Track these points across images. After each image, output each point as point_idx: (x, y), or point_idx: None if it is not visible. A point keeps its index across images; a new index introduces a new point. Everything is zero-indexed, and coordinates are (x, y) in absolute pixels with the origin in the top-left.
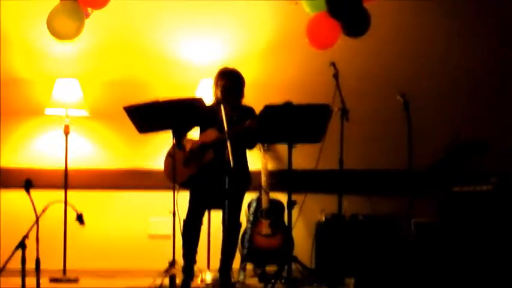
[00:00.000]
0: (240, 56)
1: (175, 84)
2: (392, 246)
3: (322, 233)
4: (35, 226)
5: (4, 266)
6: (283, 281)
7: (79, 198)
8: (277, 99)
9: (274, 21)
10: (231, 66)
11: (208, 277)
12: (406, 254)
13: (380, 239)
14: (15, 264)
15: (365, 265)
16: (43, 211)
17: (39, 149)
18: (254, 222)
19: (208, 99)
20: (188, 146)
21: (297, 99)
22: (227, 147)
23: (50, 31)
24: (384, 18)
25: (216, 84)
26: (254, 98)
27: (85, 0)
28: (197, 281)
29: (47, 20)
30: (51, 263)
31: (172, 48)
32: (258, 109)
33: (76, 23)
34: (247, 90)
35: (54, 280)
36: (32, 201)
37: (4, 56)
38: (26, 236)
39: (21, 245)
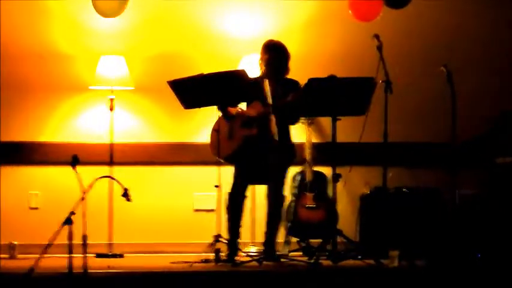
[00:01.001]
0: (282, 29)
1: (219, 59)
2: (436, 219)
3: (366, 206)
4: (82, 202)
5: (52, 241)
6: (327, 254)
7: (125, 174)
8: (320, 72)
9: None
10: (276, 39)
11: (253, 250)
12: (451, 226)
13: (424, 211)
14: (63, 239)
15: (409, 238)
16: (89, 187)
17: (84, 124)
18: (298, 195)
19: (253, 74)
20: (233, 112)
21: (339, 72)
22: (271, 121)
23: (94, 7)
24: None
25: (262, 57)
26: (297, 71)
27: None
28: (242, 254)
29: None
30: (98, 239)
31: (215, 23)
32: (302, 82)
33: None
34: (290, 64)
35: (100, 255)
36: (78, 177)
37: (47, 30)
38: (72, 212)
39: (68, 221)
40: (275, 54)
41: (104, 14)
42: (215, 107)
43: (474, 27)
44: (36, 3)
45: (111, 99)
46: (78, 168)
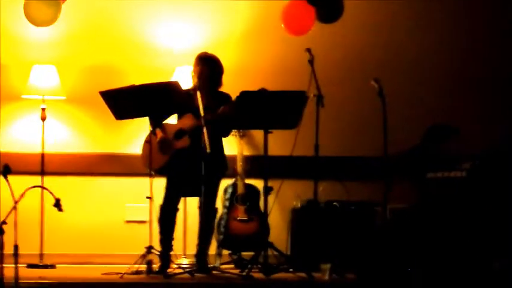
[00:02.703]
0: (216, 42)
1: (152, 71)
2: (367, 232)
3: (297, 219)
4: (13, 211)
5: None
6: (259, 266)
7: (56, 184)
8: (254, 85)
9: (251, 8)
10: (210, 52)
11: (185, 263)
12: (382, 239)
13: (355, 225)
14: None
15: (341, 251)
16: (21, 197)
17: (16, 134)
18: (230, 208)
19: (186, 85)
20: (161, 134)
21: (273, 85)
22: (203, 133)
23: (26, 16)
24: (358, 5)
25: (194, 69)
26: (230, 84)
27: None
28: (174, 266)
29: (23, 4)
30: (29, 248)
31: (149, 35)
32: (234, 95)
33: (52, 8)
34: (224, 77)
35: (31, 266)
36: (10, 186)
37: None
38: (4, 222)
39: None
40: (208, 66)
41: (36, 23)
42: (147, 119)
43: (405, 41)
44: None
45: (43, 109)
46: (10, 177)
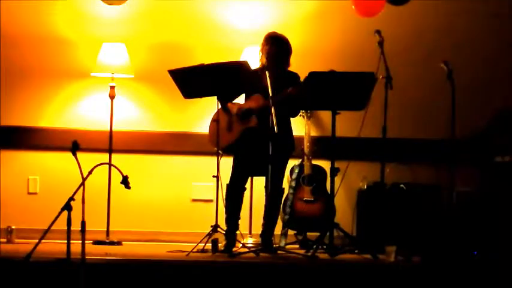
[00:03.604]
0: (284, 22)
1: (221, 50)
2: (433, 215)
3: (363, 200)
4: (81, 188)
5: (50, 227)
6: (324, 247)
7: (124, 161)
8: (320, 66)
9: None
10: (279, 32)
11: (250, 242)
12: (448, 222)
13: (421, 207)
14: (61, 225)
15: (406, 233)
16: (89, 173)
17: (84, 111)
18: (296, 188)
19: (254, 65)
20: (234, 110)
21: (340, 66)
22: (271, 113)
23: None
24: None
25: (263, 49)
26: (298, 65)
27: None
28: (239, 245)
29: None
30: (96, 225)
31: (217, 13)
32: (302, 76)
33: None
34: (291, 57)
35: (97, 242)
36: (78, 163)
37: (49, 15)
38: (71, 198)
39: (67, 207)
40: (277, 46)
41: (108, 1)
42: (215, 98)
43: (476, 24)
44: None
45: (112, 87)
46: (78, 154)
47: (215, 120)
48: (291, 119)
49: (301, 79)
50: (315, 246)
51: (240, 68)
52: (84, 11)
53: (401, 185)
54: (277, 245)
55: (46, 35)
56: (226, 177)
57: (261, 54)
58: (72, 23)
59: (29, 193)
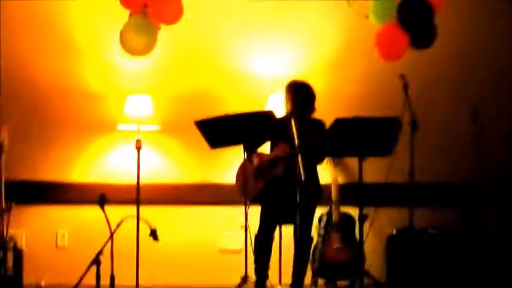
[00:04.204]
0: (308, 68)
1: (246, 99)
2: (464, 259)
3: (393, 246)
4: (109, 241)
5: (79, 282)
6: None
7: (151, 213)
8: (344, 110)
9: (339, 35)
10: (301, 78)
11: None
12: (479, 266)
13: (451, 251)
14: (90, 280)
15: (437, 278)
16: (117, 227)
17: (111, 164)
18: (325, 236)
19: (279, 113)
20: (258, 160)
21: (364, 110)
22: (298, 161)
23: (122, 47)
24: (450, 32)
25: (286, 97)
26: (321, 109)
27: (157, 16)
28: None
29: (120, 35)
30: (125, 279)
31: (241, 62)
32: (327, 121)
33: (148, 39)
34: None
35: None
36: (106, 217)
37: (78, 70)
38: (100, 252)
39: (96, 261)
40: (299, 93)
41: (132, 53)
42: (241, 147)
43: (499, 65)
44: (69, 42)
45: (138, 140)
46: (106, 207)
47: (242, 170)
48: (318, 166)
49: (327, 125)
50: None
51: (265, 117)
52: (111, 63)
53: (431, 230)
54: None
55: (75, 88)
56: (255, 226)
57: (285, 102)
58: (100, 76)
59: (58, 247)
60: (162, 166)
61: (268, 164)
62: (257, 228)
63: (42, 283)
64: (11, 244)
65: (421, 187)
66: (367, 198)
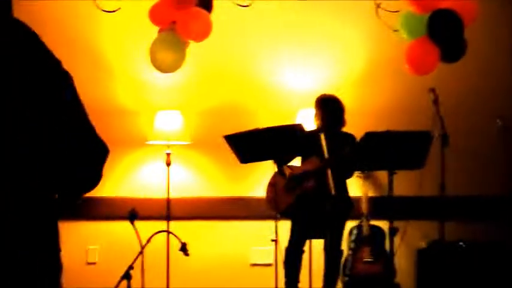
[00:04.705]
0: (337, 83)
1: (275, 113)
2: (496, 273)
3: (424, 260)
4: (140, 256)
5: None
6: None
7: (181, 228)
8: (374, 124)
9: (369, 49)
10: (330, 93)
11: None
12: (510, 280)
13: (483, 266)
14: None
15: None
16: (148, 241)
17: (142, 179)
18: (355, 249)
19: (309, 127)
20: (290, 172)
21: (394, 124)
22: (328, 175)
23: (152, 63)
24: (481, 41)
25: (316, 113)
26: (351, 123)
27: (185, 32)
28: None
29: (149, 52)
30: None
31: (271, 76)
32: (356, 135)
33: (178, 55)
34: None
35: None
36: (136, 232)
37: (109, 87)
38: (131, 267)
39: (127, 276)
40: (328, 108)
41: (162, 70)
42: (271, 162)
43: None
44: (99, 59)
45: (168, 154)
46: (136, 222)
47: (272, 184)
48: (348, 180)
49: (357, 139)
50: None
51: (295, 130)
52: (141, 80)
53: (461, 243)
54: None
55: (106, 104)
56: (285, 240)
57: (315, 117)
58: (130, 92)
59: (88, 263)
60: (192, 181)
61: (298, 177)
62: (287, 242)
63: None
64: None
65: (451, 200)
66: (398, 212)
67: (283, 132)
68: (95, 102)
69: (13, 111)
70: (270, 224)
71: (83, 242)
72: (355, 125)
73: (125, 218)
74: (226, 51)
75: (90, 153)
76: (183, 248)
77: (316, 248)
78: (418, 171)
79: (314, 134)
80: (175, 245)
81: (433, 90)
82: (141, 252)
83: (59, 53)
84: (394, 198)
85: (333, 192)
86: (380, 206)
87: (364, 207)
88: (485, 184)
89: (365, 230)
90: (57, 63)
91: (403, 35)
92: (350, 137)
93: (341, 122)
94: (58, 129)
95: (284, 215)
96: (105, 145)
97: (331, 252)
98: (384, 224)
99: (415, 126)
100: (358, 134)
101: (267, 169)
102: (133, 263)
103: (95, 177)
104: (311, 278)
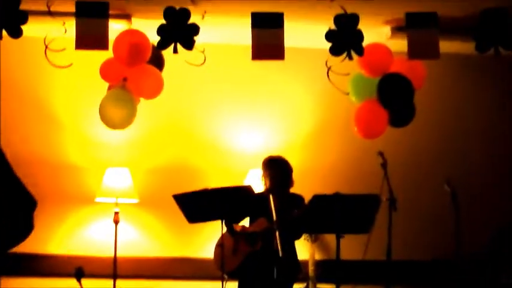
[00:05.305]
0: (286, 144)
1: (225, 173)
2: None
3: None
4: None
5: None
6: None
7: (129, 287)
8: (322, 186)
9: (319, 111)
10: (276, 154)
11: None
12: None
13: None
14: None
15: None
16: None
17: (89, 237)
18: None
19: (258, 188)
20: (239, 229)
21: (342, 186)
22: (276, 236)
23: (101, 119)
24: (429, 109)
25: (264, 174)
26: (299, 184)
27: (136, 89)
28: None
29: (99, 108)
30: None
31: (221, 137)
32: (305, 196)
33: (128, 111)
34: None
35: None
36: None
37: (58, 142)
38: None
39: None
40: (276, 169)
41: (111, 126)
42: (220, 222)
43: (477, 145)
44: (49, 114)
45: (116, 213)
46: (83, 281)
47: (220, 245)
48: (296, 242)
49: (305, 200)
50: None
51: (244, 192)
52: (90, 136)
53: None
54: None
55: (54, 160)
56: None
57: (263, 178)
58: (79, 148)
59: None
60: (140, 240)
61: (246, 238)
62: None
63: None
64: None
65: (398, 265)
66: (345, 276)
67: (232, 194)
68: (44, 157)
69: None
70: (218, 284)
71: None
72: (303, 186)
73: (72, 276)
74: (177, 109)
75: (16, 205)
76: None
77: None
78: (365, 234)
79: (263, 196)
80: None
81: (381, 153)
82: None
83: (9, 107)
84: (341, 261)
85: (280, 254)
86: (327, 269)
87: (311, 270)
88: (432, 248)
89: None
90: None
91: (353, 97)
92: (298, 198)
93: (288, 182)
94: None
95: (231, 276)
96: (33, 197)
97: None
98: None
99: (364, 188)
100: (307, 194)
101: (215, 229)
102: None
103: (25, 229)
104: None
